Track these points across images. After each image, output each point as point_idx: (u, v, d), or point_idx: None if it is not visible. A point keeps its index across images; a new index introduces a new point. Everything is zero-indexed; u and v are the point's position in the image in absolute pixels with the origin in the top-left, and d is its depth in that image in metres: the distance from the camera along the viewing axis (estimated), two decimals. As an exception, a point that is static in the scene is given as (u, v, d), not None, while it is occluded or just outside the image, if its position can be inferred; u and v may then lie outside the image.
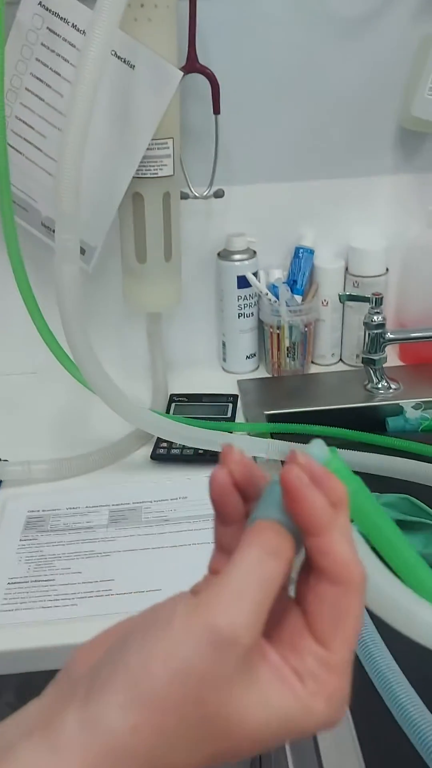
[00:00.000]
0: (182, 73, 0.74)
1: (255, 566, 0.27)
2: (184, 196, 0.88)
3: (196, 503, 0.74)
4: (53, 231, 0.83)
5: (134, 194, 0.81)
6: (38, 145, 0.80)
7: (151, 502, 0.75)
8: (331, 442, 0.73)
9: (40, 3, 0.73)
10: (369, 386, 0.92)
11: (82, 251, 0.84)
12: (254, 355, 1.00)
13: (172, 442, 0.82)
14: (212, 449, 0.75)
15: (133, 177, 0.79)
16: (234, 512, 0.31)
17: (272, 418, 0.88)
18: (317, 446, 0.30)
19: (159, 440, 0.83)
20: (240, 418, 0.89)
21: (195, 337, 1.03)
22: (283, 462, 0.30)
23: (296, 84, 0.88)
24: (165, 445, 0.82)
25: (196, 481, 0.77)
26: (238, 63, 0.86)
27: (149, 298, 0.89)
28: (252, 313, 0.97)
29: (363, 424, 0.85)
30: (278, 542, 0.28)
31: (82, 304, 0.67)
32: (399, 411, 0.89)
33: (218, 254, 0.96)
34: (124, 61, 0.72)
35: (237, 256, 0.94)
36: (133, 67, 0.72)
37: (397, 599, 0.33)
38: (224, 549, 0.32)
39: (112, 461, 0.82)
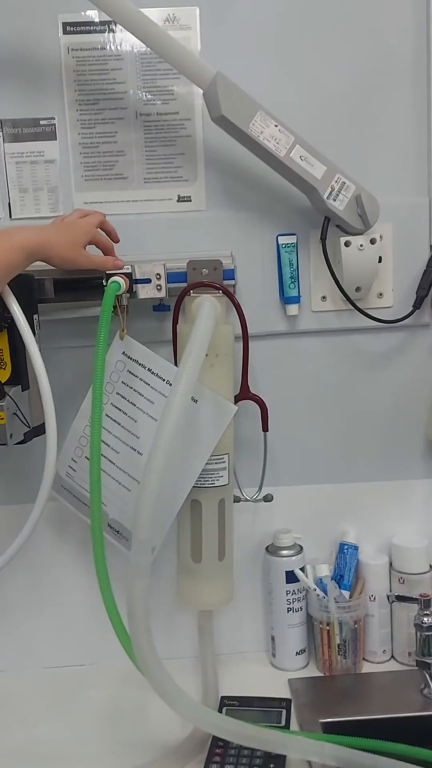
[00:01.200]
0: (236, 408, 0.87)
1: None
2: (237, 500, 0.96)
3: None
4: (118, 532, 0.91)
5: (193, 501, 0.90)
6: (112, 459, 0.91)
7: None
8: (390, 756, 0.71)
9: (123, 352, 0.90)
10: (426, 691, 0.89)
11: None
12: (304, 650, 1.00)
13: (225, 758, 0.79)
14: (271, 750, 0.73)
15: (194, 486, 0.88)
16: None
17: (327, 727, 0.85)
18: None
19: (211, 755, 0.80)
20: (294, 724, 0.86)
21: (244, 630, 1.04)
22: None
23: (332, 404, 1.01)
24: (219, 761, 0.79)
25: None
26: (283, 389, 1.00)
27: (202, 596, 0.92)
28: (301, 608, 0.99)
29: (422, 734, 0.82)
30: None
31: (149, 613, 0.71)
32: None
33: (266, 549, 1.01)
34: (192, 398, 0.86)
35: (284, 552, 0.99)
36: (196, 402, 0.86)
37: None
38: None
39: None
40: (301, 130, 0.87)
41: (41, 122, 0.93)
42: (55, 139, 0.94)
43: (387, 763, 0.72)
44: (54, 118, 0.93)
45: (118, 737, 0.87)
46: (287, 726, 0.85)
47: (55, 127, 0.93)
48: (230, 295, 0.90)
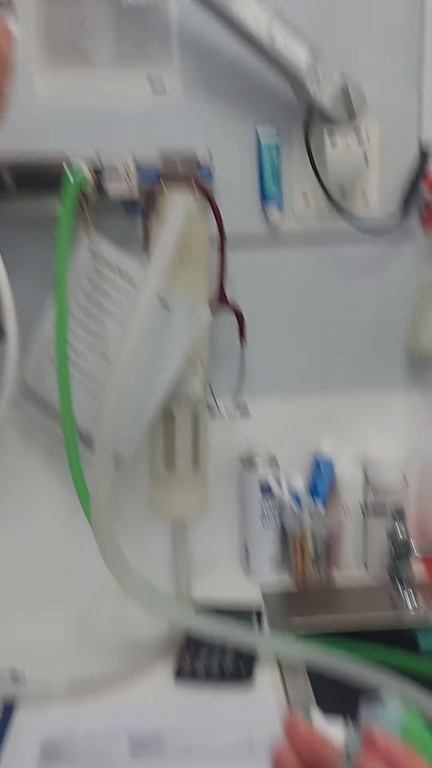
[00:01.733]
0: (210, 313, 0.83)
1: None
2: (212, 412, 0.94)
3: (225, 731, 0.70)
4: (89, 443, 0.89)
5: (165, 410, 0.88)
6: (79, 364, 0.88)
7: (174, 729, 0.71)
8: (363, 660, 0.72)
9: (90, 252, 0.85)
10: (397, 601, 0.90)
11: (115, 461, 0.88)
12: (277, 562, 1.00)
13: (195, 658, 0.80)
14: (242, 646, 0.73)
15: (166, 395, 0.86)
16: None
17: (300, 634, 0.86)
18: (391, 707, 0.28)
19: (182, 655, 0.81)
20: (265, 631, 0.87)
21: (218, 541, 1.03)
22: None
23: (311, 314, 0.98)
24: (189, 660, 0.80)
25: (222, 705, 0.74)
26: (261, 298, 0.96)
27: (176, 505, 0.91)
28: (275, 520, 0.98)
29: (393, 641, 0.83)
30: None
31: (113, 510, 0.71)
32: (430, 627, 0.86)
33: (241, 462, 1.00)
34: (162, 300, 0.82)
35: (259, 465, 0.98)
36: (168, 305, 0.82)
37: None
38: None
39: (132, 678, 0.79)
40: (285, 14, 0.80)
41: (0, -4, 0.84)
42: (15, 15, 0.85)
43: (355, 663, 0.73)
44: (14, -8, 0.85)
45: (91, 639, 0.87)
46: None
47: (12, 2, 0.85)
48: (206, 192, 0.84)
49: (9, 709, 0.74)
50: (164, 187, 0.83)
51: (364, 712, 0.29)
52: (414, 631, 0.87)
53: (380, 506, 0.94)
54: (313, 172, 0.87)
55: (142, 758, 0.67)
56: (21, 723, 0.72)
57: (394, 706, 0.28)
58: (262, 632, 0.86)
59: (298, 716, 0.28)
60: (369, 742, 0.26)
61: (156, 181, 0.84)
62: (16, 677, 0.77)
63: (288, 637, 0.81)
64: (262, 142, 0.89)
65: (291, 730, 0.28)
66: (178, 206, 0.78)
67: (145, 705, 0.75)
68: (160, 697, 0.76)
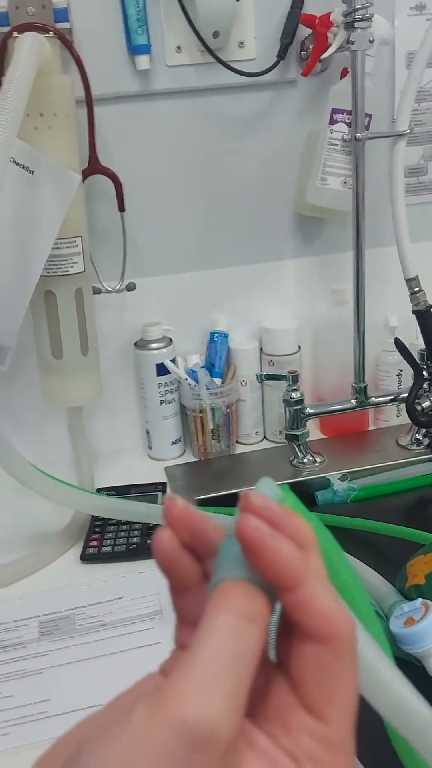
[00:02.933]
0: (80, 177, 0.76)
1: (226, 637, 0.23)
2: (97, 291, 0.89)
3: (134, 603, 0.71)
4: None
5: (46, 292, 0.82)
6: None
7: (84, 607, 0.71)
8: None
9: None
10: (295, 461, 0.93)
11: (-4, 352, 0.83)
12: (179, 440, 1.00)
13: (102, 541, 0.80)
14: (146, 521, 0.74)
15: (44, 276, 0.79)
16: (189, 576, 0.27)
17: (203, 503, 0.87)
18: (267, 485, 0.26)
19: (88, 540, 0.80)
20: (170, 506, 0.88)
21: (119, 427, 1.02)
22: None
23: (196, 179, 0.92)
24: (95, 543, 0.79)
25: (131, 579, 0.75)
26: (139, 163, 0.89)
27: (69, 393, 0.87)
28: (173, 399, 0.97)
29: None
30: (250, 604, 0.24)
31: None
32: (327, 484, 0.90)
33: (135, 344, 0.96)
34: (24, 168, 0.74)
35: (154, 345, 0.95)
36: (32, 172, 0.74)
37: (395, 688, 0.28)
38: (188, 620, 0.27)
39: (40, 567, 0.78)
40: None
41: None
42: None
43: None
44: None
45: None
46: (164, 507, 0.87)
47: None
48: (65, 40, 0.75)
49: None
50: (16, 34, 0.72)
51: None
52: (313, 490, 0.90)
53: (276, 375, 0.94)
54: (183, 15, 0.79)
55: (53, 636, 0.67)
56: None
57: (269, 485, 0.26)
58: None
59: (175, 499, 0.27)
60: (245, 504, 0.24)
61: (5, 27, 0.73)
62: None
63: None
64: (124, -19, 0.79)
65: (168, 512, 0.26)
66: (28, 43, 0.68)
67: (54, 590, 0.75)
68: (68, 580, 0.76)
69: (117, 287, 0.90)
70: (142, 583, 0.74)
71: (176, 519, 0.26)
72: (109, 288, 0.90)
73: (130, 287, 0.91)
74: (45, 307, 0.83)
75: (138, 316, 0.96)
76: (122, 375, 0.99)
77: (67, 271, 0.81)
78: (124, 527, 0.82)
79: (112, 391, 0.98)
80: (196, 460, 0.99)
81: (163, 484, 0.90)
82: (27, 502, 0.80)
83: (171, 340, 0.96)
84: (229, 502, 0.84)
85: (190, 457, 1.00)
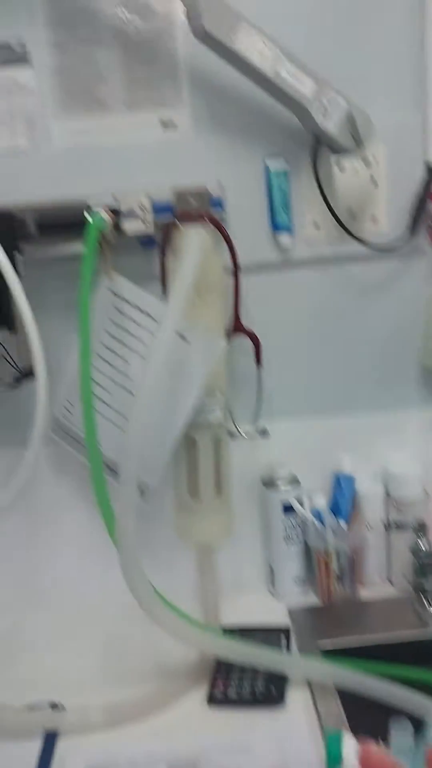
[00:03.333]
0: (224, 343, 0.86)
1: None
2: (232, 436, 0.96)
3: (258, 756, 0.71)
4: (115, 472, 0.91)
5: (188, 438, 0.90)
6: (105, 399, 0.90)
7: (209, 753, 0.72)
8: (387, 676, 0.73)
9: (111, 290, 0.88)
10: (423, 614, 0.91)
11: (140, 490, 0.91)
12: (302, 579, 1.01)
13: (228, 683, 0.81)
14: (272, 669, 0.74)
15: (187, 423, 0.88)
16: None
17: (327, 652, 0.87)
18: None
19: (214, 680, 0.82)
20: (294, 652, 0.88)
21: (243, 563, 1.05)
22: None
23: (325, 335, 1.00)
24: (221, 685, 0.81)
25: (258, 730, 0.75)
26: (276, 321, 0.98)
27: (201, 531, 0.93)
28: (299, 539, 1.00)
29: (418, 656, 0.84)
30: None
31: (137, 537, 0.74)
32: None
33: (263, 482, 1.01)
34: (181, 336, 0.84)
35: (281, 484, 1.00)
36: (185, 338, 0.85)
37: None
38: None
39: (166, 703, 0.81)
40: (289, 45, 0.82)
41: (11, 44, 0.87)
42: (28, 62, 0.88)
43: (382, 684, 0.74)
44: (25, 41, 0.87)
45: (123, 666, 0.89)
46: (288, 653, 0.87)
47: (26, 49, 0.87)
48: (219, 226, 0.87)
49: (51, 738, 0.76)
50: (179, 223, 0.85)
51: (395, 731, 0.30)
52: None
53: (402, 521, 0.96)
54: (322, 198, 0.89)
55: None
56: (64, 752, 0.74)
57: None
58: (291, 653, 0.87)
59: (369, 744, 0.29)
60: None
61: (171, 217, 0.86)
62: (55, 706, 0.79)
63: (317, 658, 0.83)
64: (271, 170, 0.91)
65: (365, 758, 0.29)
66: (194, 242, 0.81)
67: (180, 731, 0.77)
68: (194, 722, 0.78)
69: (250, 433, 0.97)
70: (267, 734, 0.74)
71: (371, 764, 0.28)
72: (243, 433, 0.97)
73: (263, 433, 0.97)
74: (186, 451, 0.90)
75: (267, 456, 1.02)
76: (249, 512, 1.03)
77: (207, 419, 0.89)
78: (248, 670, 0.83)
79: (239, 527, 1.01)
80: (319, 603, 0.99)
81: (288, 629, 0.92)
82: (155, 635, 0.82)
83: (297, 480, 1.00)
84: (355, 653, 0.84)
85: (312, 598, 1.01)
